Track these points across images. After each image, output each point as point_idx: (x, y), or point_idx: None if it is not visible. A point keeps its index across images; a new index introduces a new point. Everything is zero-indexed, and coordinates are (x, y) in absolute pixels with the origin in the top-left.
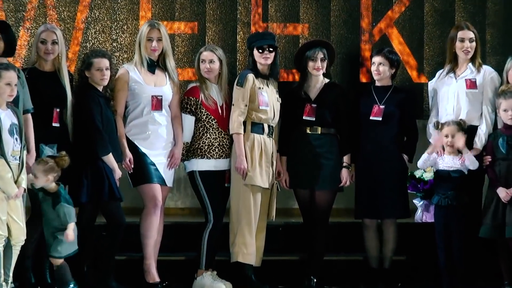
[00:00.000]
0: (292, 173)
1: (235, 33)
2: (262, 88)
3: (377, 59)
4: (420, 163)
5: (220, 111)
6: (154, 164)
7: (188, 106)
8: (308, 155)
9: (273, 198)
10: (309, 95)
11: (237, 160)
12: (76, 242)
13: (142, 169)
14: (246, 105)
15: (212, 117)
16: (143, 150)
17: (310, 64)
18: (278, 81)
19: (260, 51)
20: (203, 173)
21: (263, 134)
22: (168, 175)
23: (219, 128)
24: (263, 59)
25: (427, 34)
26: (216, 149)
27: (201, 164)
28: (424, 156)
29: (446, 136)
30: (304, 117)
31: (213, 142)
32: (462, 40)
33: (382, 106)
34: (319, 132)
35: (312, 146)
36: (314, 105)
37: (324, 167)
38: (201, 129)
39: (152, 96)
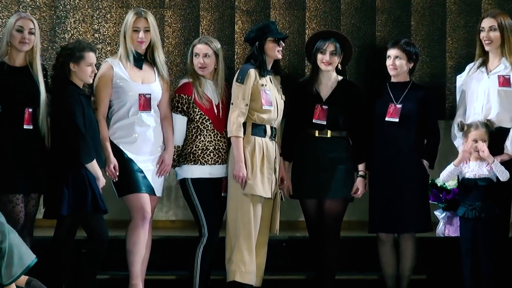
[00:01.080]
0: (298, 181)
1: (232, 22)
2: (266, 85)
3: (393, 52)
4: (444, 175)
5: (215, 111)
6: (141, 171)
7: (179, 105)
8: (316, 160)
9: (276, 210)
10: (319, 94)
11: (235, 166)
12: (29, 251)
13: (128, 177)
14: (247, 105)
15: (207, 117)
16: (129, 155)
17: (319, 56)
18: (281, 75)
19: (277, 43)
20: (196, 181)
21: (265, 137)
22: (157, 184)
23: (215, 130)
24: (278, 53)
25: (450, 23)
26: (211, 154)
27: (194, 171)
28: (450, 168)
29: (475, 141)
30: (314, 120)
31: (207, 145)
32: (483, 30)
33: (399, 105)
34: (329, 136)
35: (321, 151)
36: (325, 107)
37: (334, 173)
38: (194, 131)
39: (139, 94)
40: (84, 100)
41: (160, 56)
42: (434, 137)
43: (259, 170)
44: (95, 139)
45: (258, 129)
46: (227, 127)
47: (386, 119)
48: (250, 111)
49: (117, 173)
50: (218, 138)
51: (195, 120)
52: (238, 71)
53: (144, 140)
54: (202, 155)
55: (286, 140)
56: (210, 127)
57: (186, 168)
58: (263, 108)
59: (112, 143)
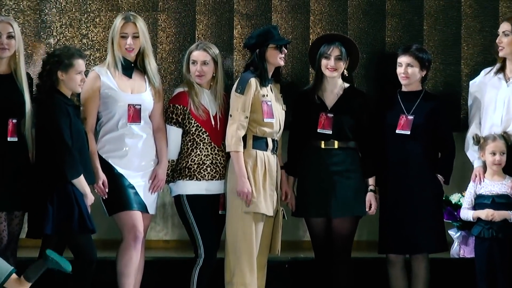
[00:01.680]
0: (303, 198)
1: (231, 27)
2: (267, 96)
3: (404, 59)
4: (466, 203)
5: (213, 122)
6: (133, 187)
7: (173, 116)
8: (323, 175)
9: (277, 228)
10: (324, 102)
11: (238, 182)
12: (4, 263)
13: (119, 194)
14: (247, 117)
15: (203, 130)
16: (120, 170)
17: (323, 62)
18: (282, 83)
19: (279, 49)
20: (192, 198)
21: (266, 150)
22: (150, 200)
23: (212, 143)
24: (281, 60)
25: (465, 28)
26: (208, 169)
27: (189, 187)
28: (469, 191)
29: (493, 153)
30: (318, 130)
31: (204, 160)
32: (498, 34)
33: (410, 117)
34: (336, 147)
35: (327, 164)
36: (330, 115)
37: (344, 189)
38: (189, 144)
39: (128, 105)
40: (71, 111)
41: (151, 64)
42: (448, 150)
43: (261, 186)
44: (83, 153)
45: (259, 142)
46: (225, 140)
47: (397, 131)
48: (251, 123)
49: (107, 190)
50: (216, 151)
51: (191, 132)
52: (237, 80)
53: (135, 153)
54: (198, 170)
55: (290, 154)
56: (207, 140)
57: (181, 184)
58: (265, 120)
59: (100, 158)
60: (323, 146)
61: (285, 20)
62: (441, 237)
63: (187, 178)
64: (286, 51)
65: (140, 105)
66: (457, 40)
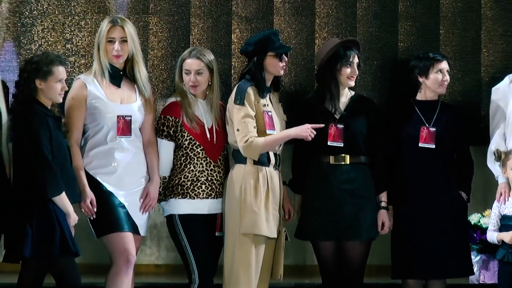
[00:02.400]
0: (310, 219)
1: (229, 31)
2: (268, 106)
3: (445, 65)
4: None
5: (208, 135)
6: (123, 206)
7: (165, 128)
8: (332, 194)
9: (280, 251)
10: (332, 111)
11: (298, 130)
12: None
13: (108, 214)
14: (255, 127)
15: (197, 143)
16: (109, 188)
17: (344, 71)
18: (280, 91)
19: (279, 58)
20: (185, 218)
21: (269, 166)
22: (141, 221)
23: (207, 158)
24: (281, 69)
25: (485, 32)
26: (203, 186)
27: (182, 206)
28: (493, 213)
29: None
30: (329, 143)
31: (198, 176)
32: None
33: (432, 129)
34: (348, 162)
35: (337, 182)
36: (340, 126)
37: (358, 210)
38: (182, 158)
39: (118, 116)
40: (51, 123)
41: (141, 72)
42: (469, 166)
43: (263, 205)
44: (64, 169)
45: (261, 156)
46: (244, 153)
47: (420, 144)
48: None
49: (95, 209)
50: (211, 167)
51: (184, 146)
52: (234, 92)
53: (125, 169)
54: (191, 187)
55: (296, 169)
56: (202, 155)
57: (173, 203)
58: (267, 132)
59: (87, 174)
60: (332, 161)
61: (288, 23)
62: (468, 259)
63: (180, 196)
64: (286, 59)
65: (131, 116)
66: (476, 45)
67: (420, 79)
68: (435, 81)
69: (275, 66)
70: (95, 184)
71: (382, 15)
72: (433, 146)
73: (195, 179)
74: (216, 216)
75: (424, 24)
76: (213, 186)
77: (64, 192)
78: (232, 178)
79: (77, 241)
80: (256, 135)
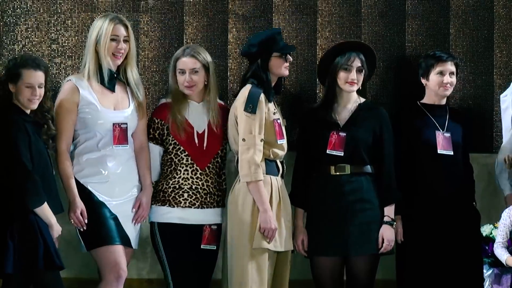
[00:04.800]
0: (314, 235)
1: (225, 30)
2: (276, 113)
3: (449, 66)
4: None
5: (196, 141)
6: (115, 217)
7: (151, 130)
8: (335, 206)
9: (286, 265)
10: (336, 119)
11: (261, 217)
12: None
13: (99, 226)
14: (262, 140)
15: (182, 149)
16: (100, 197)
17: (342, 75)
18: (279, 94)
19: (284, 58)
20: (164, 227)
21: (277, 175)
22: (133, 233)
23: (194, 165)
24: (286, 70)
25: (498, 32)
26: (185, 194)
27: (161, 214)
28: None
29: None
30: (328, 151)
31: (181, 184)
32: None
33: (447, 134)
34: (349, 172)
35: (339, 193)
36: (342, 134)
37: (362, 221)
38: (168, 164)
39: (114, 124)
40: (30, 129)
41: (134, 74)
42: (472, 174)
43: (276, 218)
44: (46, 178)
45: (271, 166)
46: (240, 169)
47: (439, 151)
48: (264, 146)
49: (86, 221)
50: (198, 175)
51: (169, 151)
52: (245, 98)
53: (117, 178)
54: (173, 195)
55: (297, 182)
56: (187, 161)
57: (154, 210)
58: (278, 142)
59: (78, 183)
60: (333, 172)
61: (288, 22)
62: (480, 276)
63: (160, 204)
64: (291, 59)
65: (126, 124)
66: (489, 46)
67: (422, 81)
68: (435, 83)
69: (280, 67)
70: (85, 194)
71: (388, 13)
72: (452, 153)
73: (177, 187)
74: (203, 227)
75: (433, 23)
76: (197, 196)
77: (46, 203)
78: (240, 189)
79: (61, 254)
80: (262, 149)
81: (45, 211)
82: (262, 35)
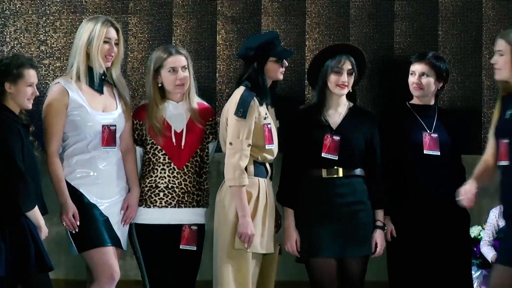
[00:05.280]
0: (305, 237)
1: (214, 32)
2: (267, 117)
3: (418, 67)
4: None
5: (174, 140)
6: (107, 219)
7: (132, 132)
8: (329, 208)
9: (272, 266)
10: (329, 122)
11: (240, 222)
12: None
13: (90, 228)
14: (249, 145)
15: (159, 148)
16: (91, 199)
17: (332, 78)
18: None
19: (280, 63)
20: (141, 228)
21: (266, 177)
22: (123, 234)
23: (171, 164)
24: (281, 75)
25: (487, 33)
26: (161, 193)
27: (138, 215)
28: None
29: None
30: (323, 154)
31: (158, 183)
32: None
33: (434, 135)
34: (341, 175)
35: (332, 196)
36: (337, 138)
37: (357, 223)
38: (146, 164)
39: (103, 126)
40: (22, 131)
41: (119, 76)
42: (463, 176)
43: (261, 220)
44: (36, 180)
45: (260, 168)
46: (225, 173)
47: (425, 151)
48: (252, 149)
49: (78, 223)
50: (174, 174)
51: (147, 151)
52: (236, 102)
53: (107, 180)
54: (149, 193)
55: (286, 181)
56: (164, 160)
57: None
58: (267, 147)
59: (68, 185)
60: (324, 175)
61: (277, 24)
62: (469, 277)
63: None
64: (287, 64)
65: (115, 125)
66: (477, 47)
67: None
68: (410, 83)
69: (276, 71)
70: (76, 196)
71: (376, 15)
72: (438, 153)
73: (153, 186)
74: (182, 227)
75: (421, 25)
76: (173, 194)
77: (36, 206)
78: (227, 190)
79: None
80: (248, 154)
81: (35, 214)
82: (260, 38)
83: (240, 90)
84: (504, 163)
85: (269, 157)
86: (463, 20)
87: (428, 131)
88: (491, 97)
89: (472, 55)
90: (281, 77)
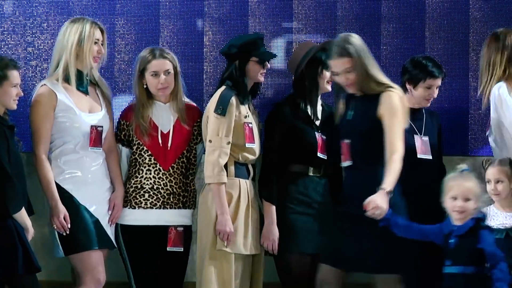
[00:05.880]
0: (297, 234)
1: (201, 33)
2: (248, 116)
3: (437, 82)
4: None
5: (160, 141)
6: (97, 221)
7: (118, 132)
8: (317, 207)
9: (258, 266)
10: (314, 118)
11: (218, 220)
12: None
13: (78, 231)
14: (229, 142)
15: (145, 149)
16: (81, 201)
17: (325, 74)
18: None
19: (262, 64)
20: (127, 229)
21: (248, 178)
22: (112, 235)
23: (157, 165)
24: (262, 76)
25: (473, 35)
26: (146, 195)
27: (123, 216)
28: None
29: (488, 181)
30: (319, 154)
31: (143, 184)
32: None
33: (425, 138)
34: (321, 174)
35: (317, 195)
36: (323, 137)
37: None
38: (132, 165)
39: (91, 127)
40: (8, 132)
41: (98, 74)
42: (445, 175)
43: (243, 221)
44: (20, 180)
45: (241, 169)
46: (205, 170)
47: (419, 155)
48: (232, 148)
49: (69, 225)
50: (160, 175)
51: (133, 151)
52: (216, 100)
53: (96, 180)
54: (133, 194)
55: (268, 177)
56: (150, 161)
57: None
58: (247, 145)
59: (58, 186)
60: (311, 173)
61: (264, 25)
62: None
63: (123, 205)
64: (269, 66)
65: (102, 126)
66: (464, 49)
67: (408, 86)
68: (420, 95)
69: (257, 73)
70: (65, 197)
71: (363, 16)
72: (430, 157)
73: (139, 187)
74: (168, 229)
75: (408, 26)
76: (159, 196)
77: (23, 207)
78: (209, 191)
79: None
80: (228, 152)
81: (22, 215)
82: (244, 38)
83: (222, 89)
84: (347, 163)
85: (251, 157)
86: (450, 22)
87: (419, 134)
88: (477, 98)
89: (459, 56)
90: (261, 79)
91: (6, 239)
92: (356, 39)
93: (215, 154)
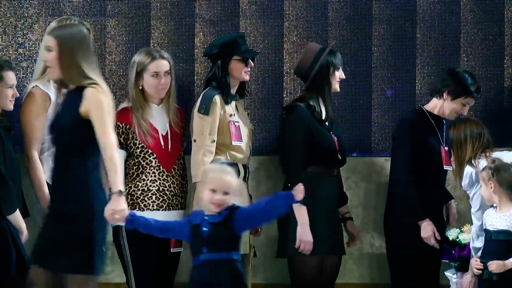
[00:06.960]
0: (320, 234)
1: (192, 34)
2: (234, 115)
3: (473, 101)
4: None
5: (162, 143)
6: None
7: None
8: (330, 207)
9: (245, 269)
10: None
11: None
12: None
13: None
14: (213, 141)
15: (150, 152)
16: None
17: (337, 74)
18: (243, 98)
19: (245, 62)
20: (132, 231)
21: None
22: None
23: (160, 167)
24: (245, 74)
25: (464, 37)
26: (153, 197)
27: None
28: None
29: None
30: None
31: (149, 186)
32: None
33: (446, 148)
34: (335, 174)
35: (333, 194)
36: (336, 138)
37: (338, 224)
38: (134, 167)
39: None
40: (3, 134)
41: None
42: None
43: None
44: (15, 182)
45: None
46: (191, 169)
47: (445, 167)
48: (219, 148)
49: None
50: (164, 177)
51: (136, 154)
52: (200, 99)
53: None
54: (141, 197)
55: (297, 177)
56: (155, 163)
57: None
58: (233, 143)
59: (49, 187)
60: (335, 173)
61: (255, 26)
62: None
63: (129, 207)
64: (252, 64)
65: None
66: (455, 51)
67: (444, 96)
68: (453, 109)
69: (240, 71)
70: None
71: (355, 18)
72: (451, 168)
73: (146, 189)
74: None
75: (399, 28)
76: (165, 197)
77: (18, 209)
78: (198, 192)
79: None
80: (213, 150)
81: (17, 217)
82: (225, 37)
83: (206, 91)
84: None
85: (239, 155)
86: (441, 23)
87: (443, 144)
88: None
89: (450, 58)
90: (246, 77)
91: (0, 241)
92: None
93: (200, 153)
